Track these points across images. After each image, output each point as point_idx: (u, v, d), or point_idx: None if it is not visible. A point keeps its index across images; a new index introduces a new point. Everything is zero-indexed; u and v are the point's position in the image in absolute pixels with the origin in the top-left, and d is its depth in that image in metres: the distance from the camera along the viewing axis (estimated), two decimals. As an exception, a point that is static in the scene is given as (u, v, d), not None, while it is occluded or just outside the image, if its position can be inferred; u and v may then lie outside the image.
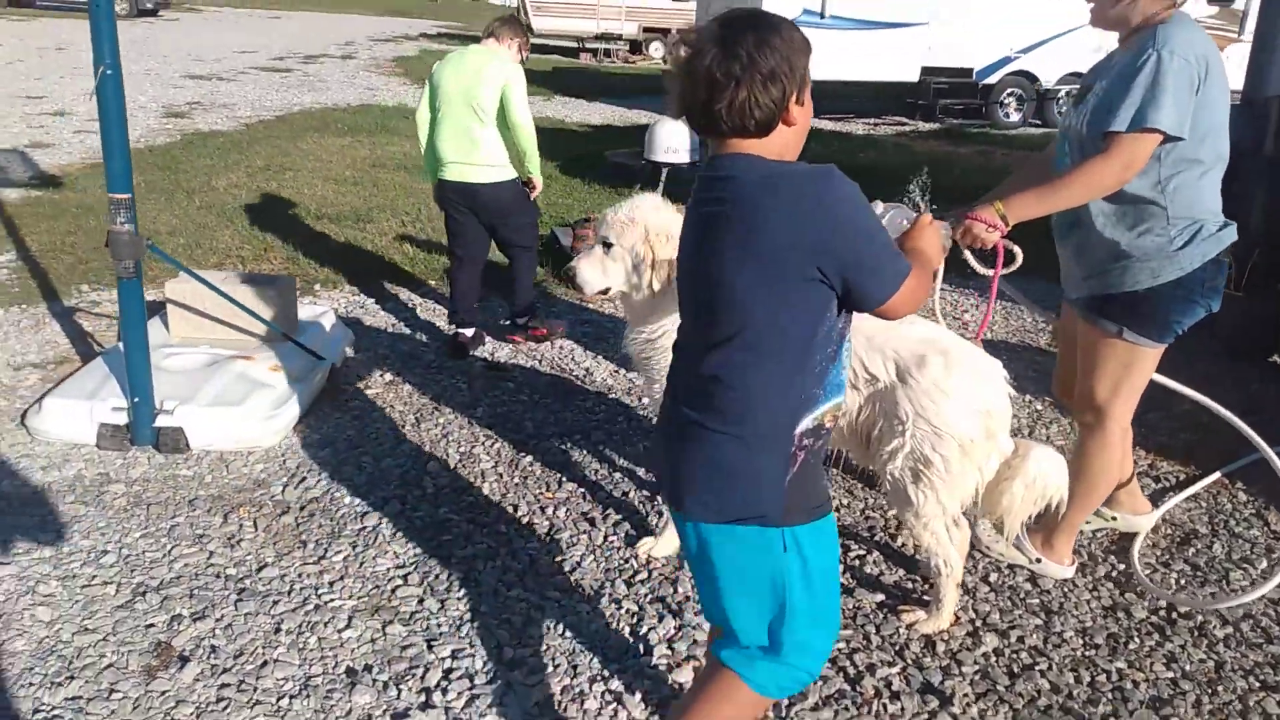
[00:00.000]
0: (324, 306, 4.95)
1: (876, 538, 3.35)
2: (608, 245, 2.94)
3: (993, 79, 15.19)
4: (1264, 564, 3.27)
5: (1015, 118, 15.54)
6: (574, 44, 29.43)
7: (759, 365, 1.70)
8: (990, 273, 2.75)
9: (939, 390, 2.66)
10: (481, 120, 4.51)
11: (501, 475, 3.65)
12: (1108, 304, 2.80)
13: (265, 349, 4.14)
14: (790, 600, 1.80)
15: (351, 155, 9.96)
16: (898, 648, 2.78)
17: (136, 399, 3.59)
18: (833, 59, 14.29)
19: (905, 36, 14.49)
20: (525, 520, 3.35)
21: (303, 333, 4.33)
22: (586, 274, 2.98)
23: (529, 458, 3.79)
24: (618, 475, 3.69)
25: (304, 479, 3.55)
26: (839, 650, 2.73)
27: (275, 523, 3.26)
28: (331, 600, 2.87)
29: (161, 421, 3.63)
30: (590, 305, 5.76)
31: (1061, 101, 15.44)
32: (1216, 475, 3.80)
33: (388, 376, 4.54)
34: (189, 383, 3.81)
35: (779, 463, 1.74)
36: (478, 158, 4.57)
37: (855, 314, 2.86)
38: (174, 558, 3.04)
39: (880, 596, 3.01)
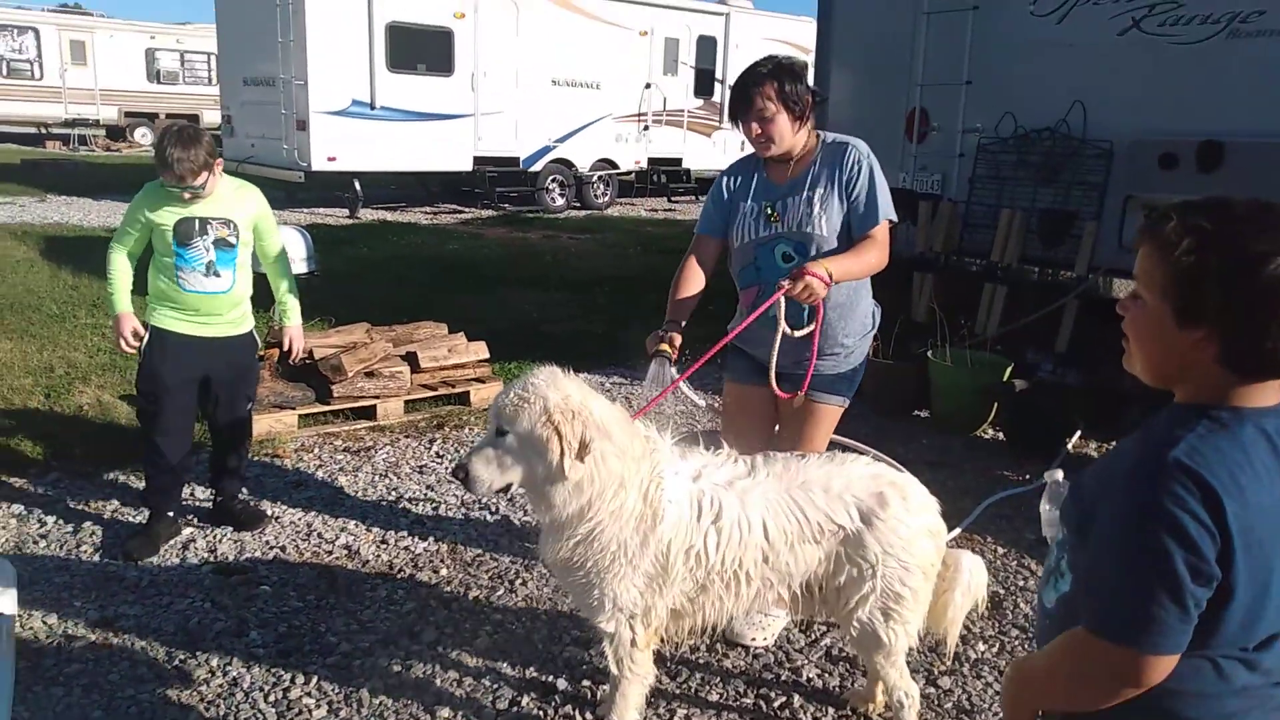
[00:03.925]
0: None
1: (783, 677, 3.21)
2: (502, 434, 2.45)
3: (537, 166, 16.01)
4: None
5: (560, 202, 16.54)
6: (35, 130, 25.30)
7: None
8: (798, 332, 3.09)
9: (902, 524, 2.63)
10: None
11: (352, 721, 2.85)
12: (836, 381, 3.24)
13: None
14: None
15: None
16: (892, 799, 2.66)
17: None
18: (387, 151, 14.08)
19: (456, 128, 14.70)
20: (423, 774, 2.65)
21: (-45, 583, 3.00)
22: (480, 470, 2.43)
23: (365, 689, 3.01)
24: (486, 681, 3.09)
25: (75, 811, 2.44)
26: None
27: None
28: None
29: None
30: (283, 458, 4.85)
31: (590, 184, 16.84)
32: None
33: (92, 613, 3.34)
34: None
35: None
36: None
37: (802, 463, 2.77)
38: None
39: (835, 745, 2.87)
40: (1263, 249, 1.27)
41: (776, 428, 3.39)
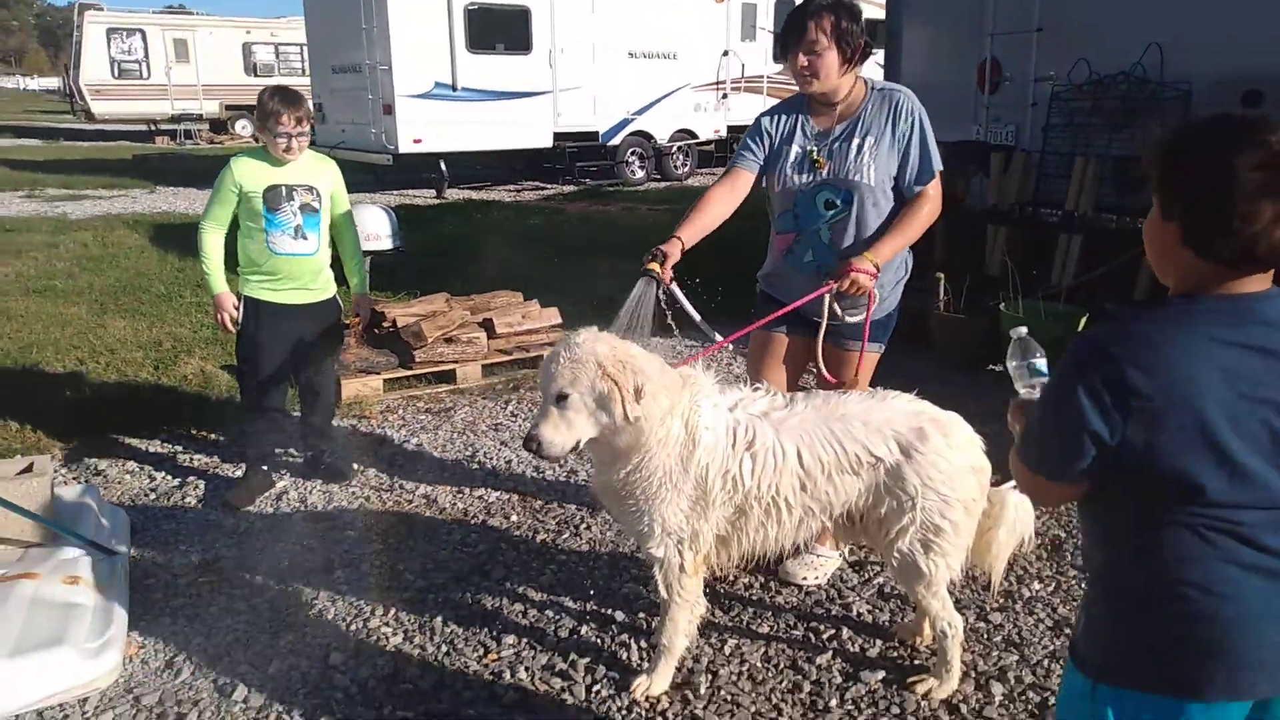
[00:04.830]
0: (78, 485, 3.88)
1: (834, 612, 3.31)
2: (563, 398, 2.55)
3: (616, 140, 16.14)
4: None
5: (640, 174, 16.66)
6: (146, 127, 26.64)
7: None
8: (850, 317, 3.19)
9: (943, 458, 2.69)
10: None
11: (424, 647, 3.08)
12: (872, 328, 3.24)
13: (43, 557, 3.13)
14: None
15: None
16: (934, 724, 2.75)
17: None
18: (470, 131, 14.38)
19: (536, 105, 14.93)
20: (487, 694, 2.85)
21: (78, 524, 3.35)
22: (552, 437, 2.52)
23: (439, 618, 3.24)
24: (549, 613, 3.28)
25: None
26: (900, 745, 2.64)
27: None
28: None
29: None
30: (369, 419, 5.14)
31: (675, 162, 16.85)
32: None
33: (195, 556, 3.66)
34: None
35: None
36: None
37: (843, 398, 2.85)
38: None
39: (881, 673, 2.97)
40: (1221, 149, 1.43)
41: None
